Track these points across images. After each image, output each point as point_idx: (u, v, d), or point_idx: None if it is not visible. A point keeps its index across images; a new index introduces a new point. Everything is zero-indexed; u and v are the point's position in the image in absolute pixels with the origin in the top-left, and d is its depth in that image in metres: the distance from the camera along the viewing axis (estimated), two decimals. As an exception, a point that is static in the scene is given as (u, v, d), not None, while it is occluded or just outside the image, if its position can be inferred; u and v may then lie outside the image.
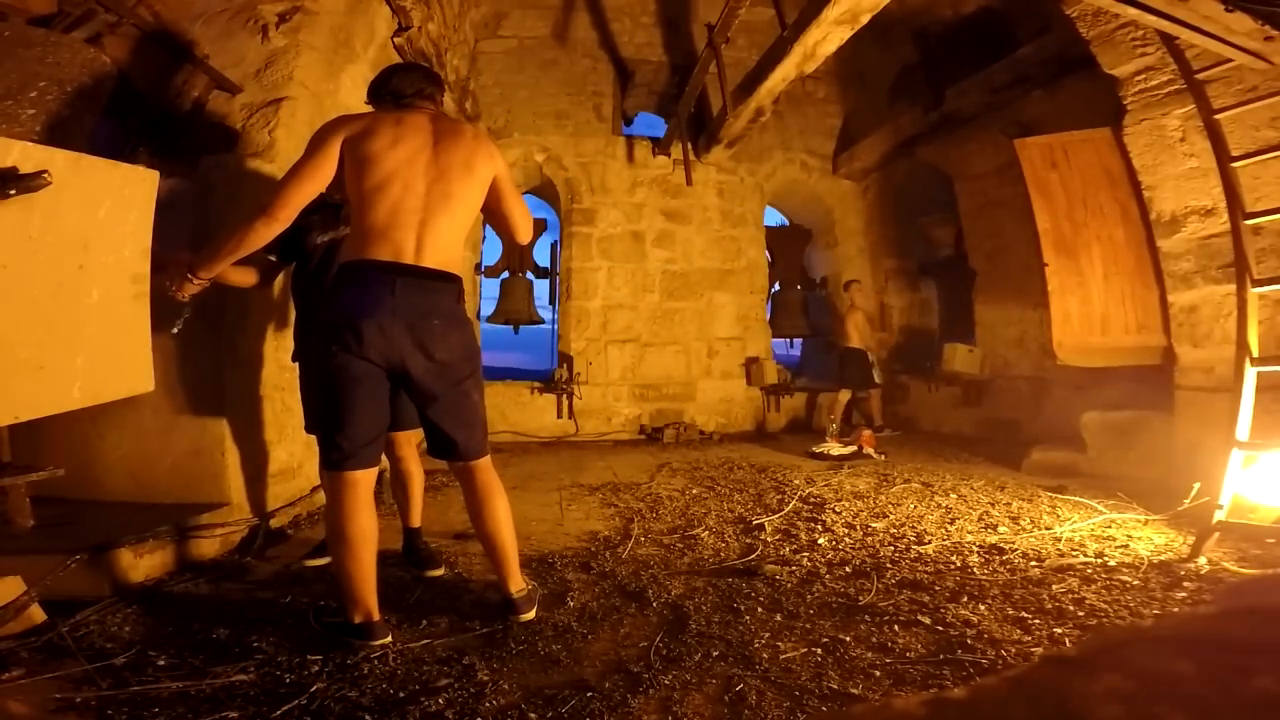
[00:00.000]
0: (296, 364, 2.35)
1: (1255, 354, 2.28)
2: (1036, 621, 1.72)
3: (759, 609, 1.85)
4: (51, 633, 1.61)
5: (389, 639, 1.62)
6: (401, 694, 1.38)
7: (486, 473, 1.81)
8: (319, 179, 1.67)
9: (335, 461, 1.63)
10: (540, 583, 2.07)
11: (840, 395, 5.98)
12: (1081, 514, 2.88)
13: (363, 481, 1.65)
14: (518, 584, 1.81)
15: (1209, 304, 3.27)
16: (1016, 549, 2.38)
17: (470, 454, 1.78)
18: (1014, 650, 1.56)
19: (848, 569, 2.20)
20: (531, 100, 6.39)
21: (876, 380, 5.90)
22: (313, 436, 2.21)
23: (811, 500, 3.26)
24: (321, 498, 2.95)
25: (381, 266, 1.64)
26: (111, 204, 1.59)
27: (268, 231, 1.66)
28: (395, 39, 3.66)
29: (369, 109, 1.87)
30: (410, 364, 1.66)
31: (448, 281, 1.72)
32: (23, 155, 1.30)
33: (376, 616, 1.63)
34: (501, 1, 6.29)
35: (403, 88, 1.83)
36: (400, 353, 1.64)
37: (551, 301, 6.71)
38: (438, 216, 1.70)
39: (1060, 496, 3.21)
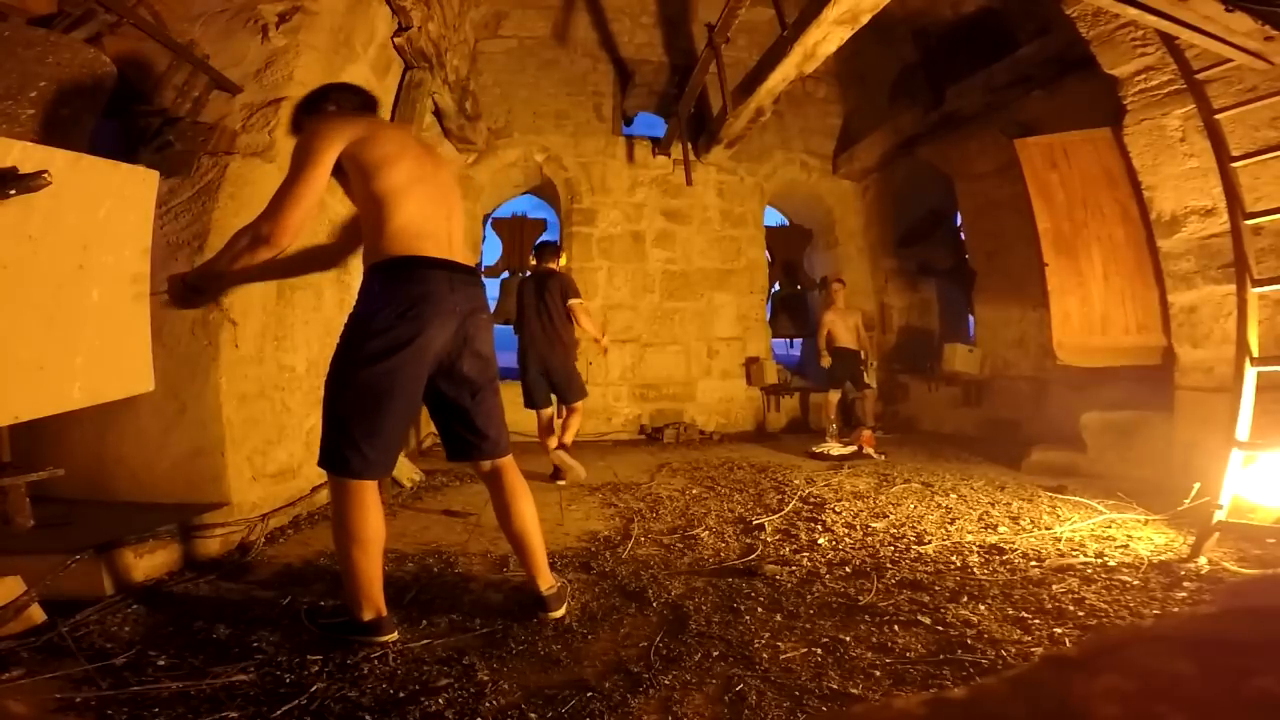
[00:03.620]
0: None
1: (1255, 354, 2.28)
2: (1036, 621, 1.72)
3: (759, 609, 1.85)
4: (51, 633, 1.61)
5: (396, 635, 1.64)
6: (401, 694, 1.38)
7: (513, 472, 1.84)
8: (319, 194, 1.62)
9: (358, 470, 1.59)
10: (540, 583, 2.07)
11: (830, 396, 5.87)
12: (1081, 514, 2.88)
13: (375, 483, 1.65)
14: (548, 581, 1.83)
15: (1209, 304, 3.27)
16: (1016, 549, 2.38)
17: (500, 450, 1.81)
18: (1014, 650, 1.56)
19: (848, 569, 2.20)
20: (531, 100, 6.40)
21: (868, 383, 5.79)
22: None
23: (811, 500, 3.26)
24: (322, 498, 2.96)
25: (436, 263, 1.66)
26: (111, 204, 1.58)
27: (270, 257, 1.61)
28: (395, 39, 3.66)
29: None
30: (461, 360, 1.70)
31: (480, 276, 1.77)
32: (23, 155, 1.30)
33: (385, 612, 1.64)
34: (501, 1, 6.29)
35: (350, 100, 1.83)
36: (457, 348, 1.69)
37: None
38: (454, 214, 1.78)
39: (1060, 496, 3.21)
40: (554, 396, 4.04)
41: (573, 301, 3.98)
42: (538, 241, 4.69)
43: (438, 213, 1.72)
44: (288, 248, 1.60)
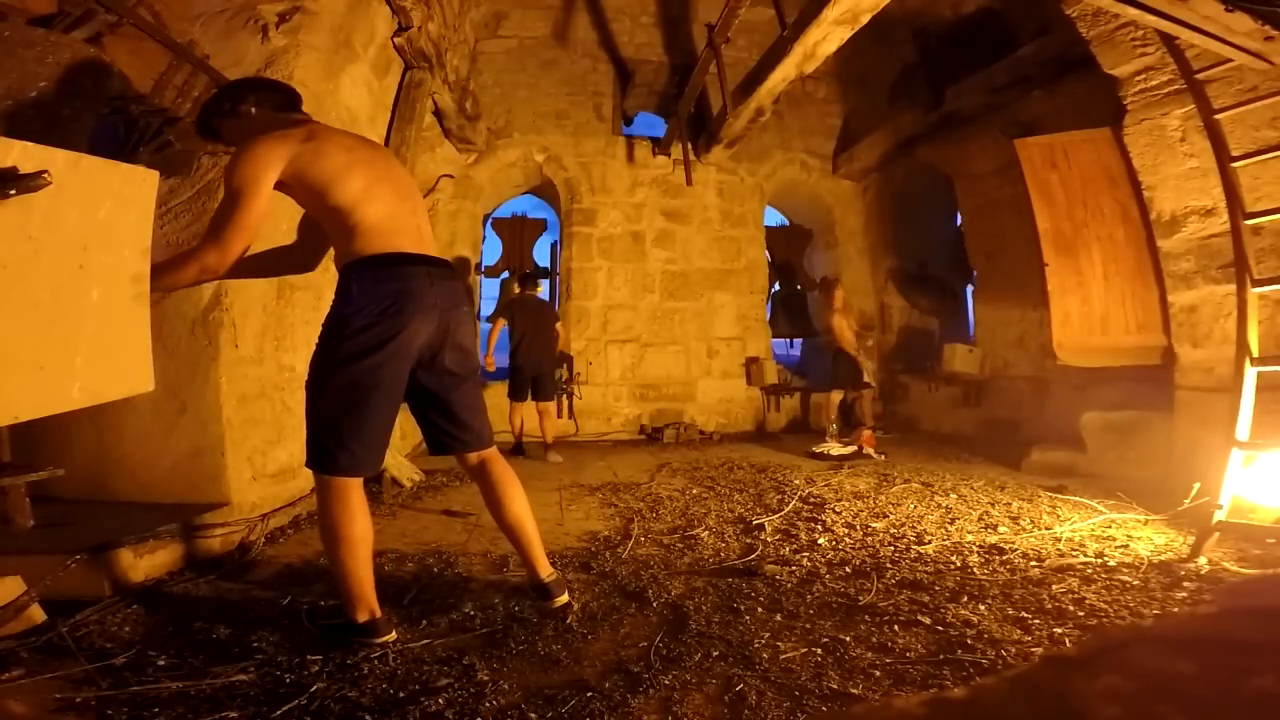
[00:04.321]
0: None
1: (1255, 354, 2.28)
2: (1036, 621, 1.72)
3: (759, 609, 1.85)
4: (51, 633, 1.61)
5: (394, 635, 1.63)
6: (401, 694, 1.38)
7: (500, 463, 1.85)
8: (261, 219, 1.56)
9: (346, 467, 1.59)
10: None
11: (833, 396, 5.86)
12: (1081, 514, 2.88)
13: (361, 483, 1.65)
14: (547, 569, 1.84)
15: (1209, 304, 3.27)
16: (1016, 549, 2.38)
17: (486, 441, 1.84)
18: (1014, 650, 1.56)
19: (848, 569, 2.20)
20: (531, 100, 6.40)
21: (867, 381, 5.77)
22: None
23: (811, 500, 3.26)
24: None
25: (413, 259, 1.66)
26: (111, 204, 1.58)
27: (208, 280, 1.63)
28: (395, 39, 3.66)
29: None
30: (442, 353, 1.71)
31: (456, 271, 1.80)
32: (23, 155, 1.30)
33: (380, 613, 1.63)
34: (501, 1, 6.29)
35: (271, 99, 1.75)
36: (439, 343, 1.70)
37: (551, 301, 6.72)
38: (419, 208, 1.78)
39: (1060, 496, 3.21)
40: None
41: (558, 325, 5.37)
42: (523, 273, 5.73)
43: (403, 208, 1.70)
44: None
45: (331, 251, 1.99)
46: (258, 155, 1.55)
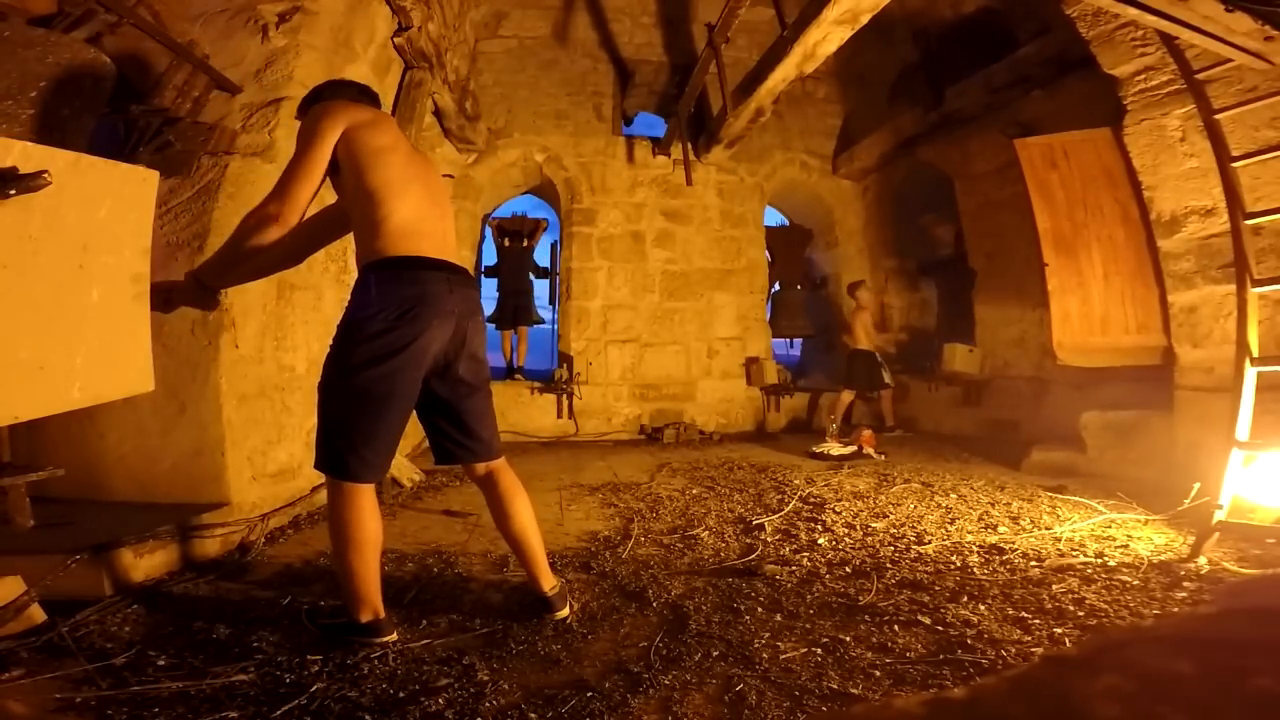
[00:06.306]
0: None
1: (1255, 354, 2.28)
2: (1036, 621, 1.72)
3: (759, 609, 1.85)
4: (51, 633, 1.61)
5: (395, 635, 1.63)
6: (401, 694, 1.38)
7: (508, 474, 1.84)
8: (322, 170, 1.62)
9: (357, 473, 1.58)
10: (540, 583, 2.07)
11: (843, 395, 5.96)
12: (1081, 514, 2.88)
13: (372, 486, 1.65)
14: (550, 581, 1.83)
15: (1209, 304, 3.27)
16: (1016, 549, 2.38)
17: (495, 452, 1.82)
18: (1014, 650, 1.56)
19: (848, 569, 2.20)
20: (531, 100, 6.40)
21: (887, 381, 5.91)
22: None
23: (811, 500, 3.26)
24: (321, 498, 2.96)
25: (433, 264, 1.65)
26: (111, 204, 1.58)
27: (280, 236, 1.59)
28: (395, 39, 3.66)
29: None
30: (457, 362, 1.70)
31: (474, 279, 1.80)
32: (23, 155, 1.30)
33: (383, 614, 1.63)
34: (501, 1, 6.29)
35: (344, 93, 1.83)
36: (455, 351, 1.69)
37: (551, 301, 6.73)
38: (447, 215, 1.78)
39: (1060, 496, 3.21)
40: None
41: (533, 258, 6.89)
42: (512, 231, 6.83)
43: (432, 212, 1.71)
44: (294, 225, 1.60)
45: (321, 251, 2.01)
46: (325, 111, 1.66)
